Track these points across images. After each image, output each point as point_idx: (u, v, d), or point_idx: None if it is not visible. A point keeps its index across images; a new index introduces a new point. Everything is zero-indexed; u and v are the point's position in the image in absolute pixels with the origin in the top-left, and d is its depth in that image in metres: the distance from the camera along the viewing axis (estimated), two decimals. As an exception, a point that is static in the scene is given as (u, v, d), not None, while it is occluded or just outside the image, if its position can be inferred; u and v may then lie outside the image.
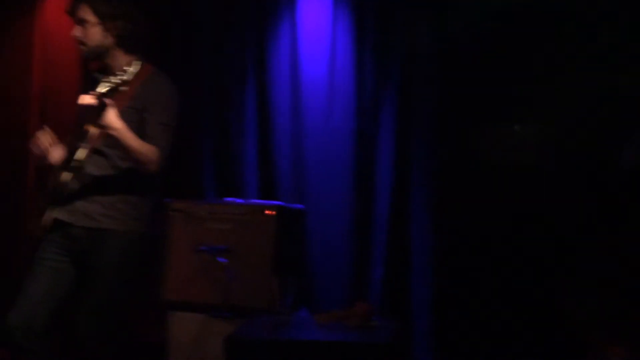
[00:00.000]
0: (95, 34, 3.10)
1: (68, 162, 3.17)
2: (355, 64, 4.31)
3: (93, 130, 3.07)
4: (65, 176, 3.15)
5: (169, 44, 4.47)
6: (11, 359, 3.35)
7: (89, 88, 3.13)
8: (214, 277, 3.80)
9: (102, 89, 2.95)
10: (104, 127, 2.93)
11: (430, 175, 4.19)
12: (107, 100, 2.91)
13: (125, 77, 2.99)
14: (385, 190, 4.24)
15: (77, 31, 3.14)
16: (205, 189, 4.46)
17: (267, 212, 3.88)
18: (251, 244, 3.84)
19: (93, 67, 3.35)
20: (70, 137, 3.25)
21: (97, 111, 2.91)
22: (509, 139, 4.15)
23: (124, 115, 2.98)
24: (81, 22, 3.12)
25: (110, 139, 3.00)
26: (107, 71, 3.16)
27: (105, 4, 3.10)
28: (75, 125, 3.25)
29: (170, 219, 3.96)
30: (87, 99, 2.99)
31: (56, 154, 3.25)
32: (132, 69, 3.09)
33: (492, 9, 4.04)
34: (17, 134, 4.70)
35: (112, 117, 2.91)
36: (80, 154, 3.13)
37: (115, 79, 2.98)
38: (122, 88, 2.99)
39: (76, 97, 3.20)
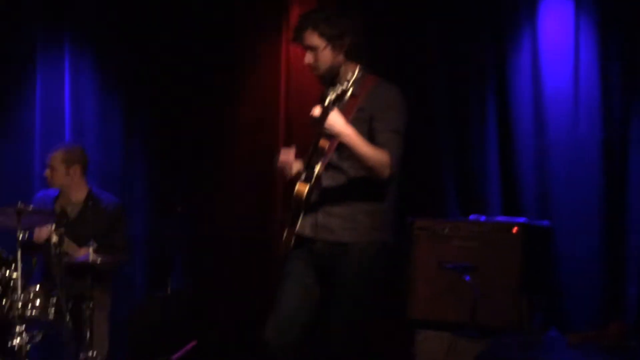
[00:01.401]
0: (325, 56, 3.17)
1: (307, 178, 3.24)
2: (600, 73, 4.19)
3: (325, 142, 3.14)
4: (298, 189, 3.22)
5: (403, 64, 4.62)
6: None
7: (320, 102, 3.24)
8: (460, 295, 3.82)
9: (329, 98, 3.03)
10: (334, 136, 3.01)
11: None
12: (333, 108, 2.97)
13: (348, 85, 3.05)
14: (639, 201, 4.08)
15: (308, 58, 3.22)
16: (448, 207, 4.52)
17: (513, 229, 3.86)
18: (497, 262, 3.84)
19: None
20: (307, 153, 3.34)
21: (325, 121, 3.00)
22: None
23: (353, 125, 3.03)
24: (310, 48, 3.19)
25: (343, 150, 3.07)
26: (335, 83, 3.21)
27: (329, 25, 3.14)
28: (311, 141, 3.32)
29: (415, 237, 4.05)
30: (316, 111, 3.07)
31: (296, 169, 3.34)
32: (356, 75, 3.12)
33: None
34: (265, 157, 4.92)
35: (340, 123, 2.97)
36: (317, 168, 3.21)
37: (340, 87, 3.05)
38: (347, 95, 3.05)
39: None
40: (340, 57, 3.16)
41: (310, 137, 3.26)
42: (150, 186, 5.56)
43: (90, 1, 5.39)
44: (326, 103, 3.00)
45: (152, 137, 5.54)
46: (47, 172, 4.81)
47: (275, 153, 4.80)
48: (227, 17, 5.31)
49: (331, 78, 3.20)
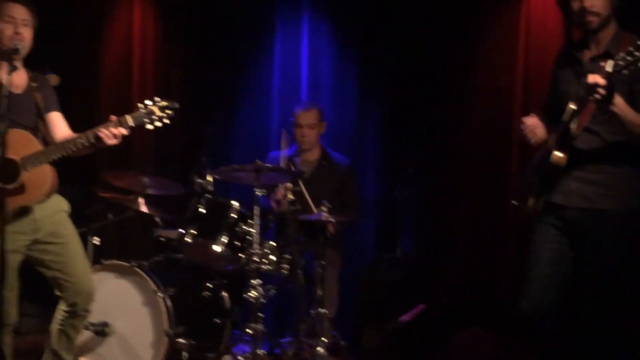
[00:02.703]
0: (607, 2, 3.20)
1: (560, 145, 3.23)
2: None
3: (584, 107, 3.13)
4: (557, 157, 3.24)
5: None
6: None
7: (566, 64, 3.29)
8: None
9: (610, 68, 2.96)
10: (605, 104, 2.97)
11: None
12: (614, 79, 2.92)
13: (632, 58, 2.97)
14: None
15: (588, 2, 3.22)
16: None
17: None
18: None
19: (574, 40, 3.44)
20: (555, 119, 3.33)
21: (606, 89, 2.94)
22: None
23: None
24: None
25: (599, 114, 3.05)
26: (585, 47, 3.22)
27: None
28: (559, 103, 3.33)
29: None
30: (597, 79, 3.00)
31: (541, 134, 3.37)
32: (613, 34, 3.12)
33: None
34: (502, 120, 5.03)
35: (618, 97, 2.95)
36: (572, 132, 3.20)
37: (625, 58, 2.97)
38: (631, 68, 2.97)
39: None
40: (609, 10, 3.20)
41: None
42: (382, 147, 5.65)
43: None
44: (610, 69, 2.96)
45: (385, 98, 5.62)
46: (302, 130, 5.06)
47: (511, 117, 4.81)
48: None
49: (593, 32, 3.22)
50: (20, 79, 3.77)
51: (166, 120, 3.69)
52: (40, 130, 3.82)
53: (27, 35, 3.69)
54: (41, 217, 3.77)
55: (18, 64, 3.67)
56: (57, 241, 3.88)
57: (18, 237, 3.69)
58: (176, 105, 3.73)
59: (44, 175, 3.73)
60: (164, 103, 3.68)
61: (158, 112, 3.67)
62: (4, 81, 3.57)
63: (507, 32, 5.12)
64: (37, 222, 3.76)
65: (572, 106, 3.15)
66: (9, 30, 3.66)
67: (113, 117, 3.65)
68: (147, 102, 3.68)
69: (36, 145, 3.67)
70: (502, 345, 4.27)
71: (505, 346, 4.21)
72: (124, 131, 3.63)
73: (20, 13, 3.69)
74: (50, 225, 3.83)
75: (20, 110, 3.71)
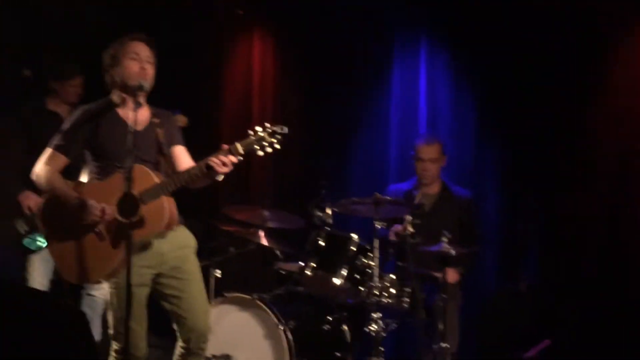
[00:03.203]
0: None
1: None
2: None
3: None
4: None
5: None
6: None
7: None
8: None
9: None
10: None
11: None
12: None
13: None
14: None
15: None
16: None
17: None
18: None
19: None
20: None
21: None
22: None
23: None
24: None
25: None
26: None
27: None
28: None
29: None
30: None
31: None
32: None
33: None
34: (630, 146, 4.94)
35: None
36: None
37: None
38: None
39: None
40: None
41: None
42: (502, 177, 5.64)
43: (445, 3, 5.75)
44: None
45: (504, 128, 5.61)
46: (424, 165, 5.10)
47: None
48: (590, 10, 5.24)
49: None
50: (142, 115, 3.88)
51: (277, 146, 3.68)
52: (162, 165, 3.93)
53: (150, 72, 3.82)
54: (167, 251, 3.84)
55: (142, 100, 3.81)
56: (179, 277, 3.92)
57: (145, 270, 3.79)
58: (285, 129, 3.69)
59: (162, 208, 3.78)
60: (273, 128, 3.68)
61: (268, 138, 3.68)
62: (129, 118, 3.69)
63: (635, 56, 5.04)
64: (164, 256, 3.83)
65: None
66: (134, 67, 3.79)
67: (224, 146, 3.68)
68: (257, 128, 3.68)
69: (153, 179, 3.76)
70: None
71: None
72: (234, 159, 3.66)
73: (144, 51, 3.83)
74: (175, 260, 3.89)
75: (142, 146, 3.82)
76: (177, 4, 6.07)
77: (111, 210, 3.71)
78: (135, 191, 3.68)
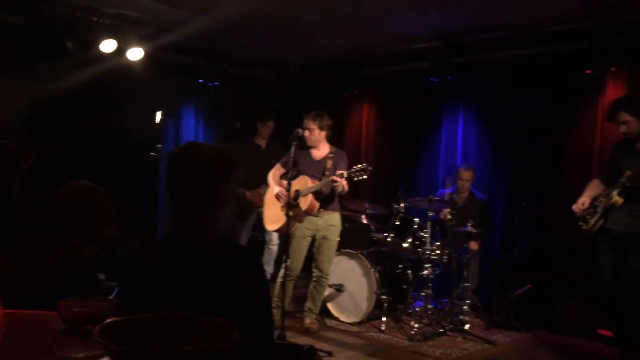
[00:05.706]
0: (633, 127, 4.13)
1: (619, 192, 3.98)
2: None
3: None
4: (617, 199, 4.03)
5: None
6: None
7: (624, 149, 4.03)
8: None
9: None
10: None
11: None
12: None
13: None
14: None
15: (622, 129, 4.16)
16: None
17: None
18: None
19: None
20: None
21: None
22: None
23: None
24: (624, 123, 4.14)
25: None
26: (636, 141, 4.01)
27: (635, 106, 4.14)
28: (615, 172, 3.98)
29: None
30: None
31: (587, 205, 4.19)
32: None
33: None
34: (585, 170, 5.62)
35: None
36: (625, 183, 3.95)
37: None
38: None
39: None
40: None
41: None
42: (506, 188, 6.38)
43: (473, 87, 6.59)
44: None
45: (510, 161, 6.40)
46: (462, 183, 5.91)
47: (590, 175, 5.14)
48: (562, 84, 5.98)
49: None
50: (320, 152, 5.11)
51: (364, 176, 4.64)
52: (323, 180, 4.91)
53: (313, 136, 4.95)
54: (321, 225, 5.16)
55: (320, 145, 4.96)
56: (322, 241, 5.17)
57: (306, 231, 5.17)
58: (370, 168, 4.66)
59: (307, 200, 4.97)
60: (363, 165, 4.67)
61: (360, 171, 4.69)
62: (312, 152, 4.85)
63: (589, 122, 5.86)
64: (318, 226, 5.16)
65: (629, 171, 3.97)
66: (306, 132, 4.91)
67: (339, 171, 4.78)
68: (356, 166, 4.69)
69: (308, 184, 4.95)
70: (590, 316, 5.02)
71: (591, 316, 5.02)
72: (343, 181, 4.74)
73: (307, 124, 5.00)
74: (324, 231, 5.18)
75: (314, 168, 5.09)
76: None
77: (287, 196, 4.93)
78: (300, 188, 5.00)
